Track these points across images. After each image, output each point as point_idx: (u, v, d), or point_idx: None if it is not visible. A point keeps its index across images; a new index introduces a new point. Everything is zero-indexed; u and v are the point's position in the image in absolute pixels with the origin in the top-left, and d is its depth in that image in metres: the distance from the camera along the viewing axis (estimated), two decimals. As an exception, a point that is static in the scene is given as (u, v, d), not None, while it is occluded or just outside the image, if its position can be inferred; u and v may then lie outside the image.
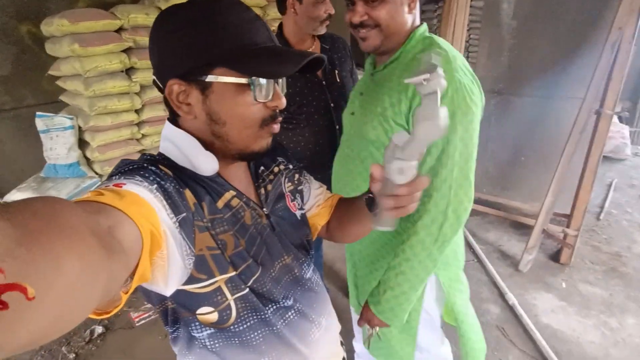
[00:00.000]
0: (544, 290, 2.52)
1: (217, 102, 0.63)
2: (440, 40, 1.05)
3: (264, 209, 0.76)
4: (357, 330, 1.49)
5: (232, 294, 0.67)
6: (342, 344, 0.93)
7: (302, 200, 0.89)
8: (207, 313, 0.66)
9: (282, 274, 0.76)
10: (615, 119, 4.48)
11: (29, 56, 2.47)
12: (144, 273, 0.48)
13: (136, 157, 0.66)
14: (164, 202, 0.54)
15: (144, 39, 2.32)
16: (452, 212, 0.99)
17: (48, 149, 2.38)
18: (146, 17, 2.34)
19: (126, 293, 0.47)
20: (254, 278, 0.69)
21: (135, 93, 2.43)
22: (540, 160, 3.15)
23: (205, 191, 0.66)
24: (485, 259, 2.79)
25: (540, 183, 3.06)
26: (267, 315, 0.71)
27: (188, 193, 0.62)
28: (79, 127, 2.43)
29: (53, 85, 2.44)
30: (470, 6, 2.98)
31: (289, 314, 0.76)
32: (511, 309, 2.34)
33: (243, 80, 0.61)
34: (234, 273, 0.66)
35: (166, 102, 0.67)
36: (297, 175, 0.89)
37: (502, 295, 2.46)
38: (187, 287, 0.63)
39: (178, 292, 0.62)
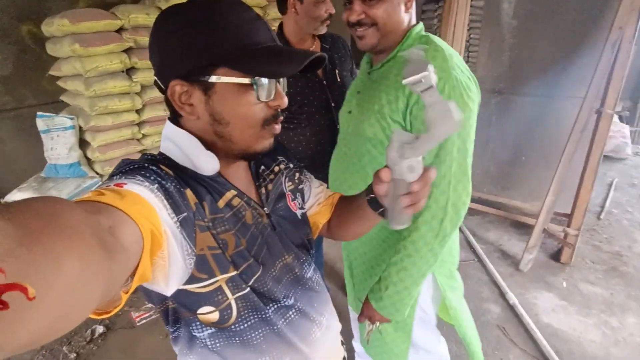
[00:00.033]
0: (545, 290, 2.52)
1: (219, 102, 0.63)
2: (436, 38, 1.07)
3: (265, 209, 0.76)
4: (355, 330, 1.49)
5: (233, 294, 0.67)
6: (342, 343, 0.93)
7: (303, 200, 0.89)
8: (208, 313, 0.66)
9: (283, 274, 0.76)
10: (615, 118, 4.48)
11: (30, 56, 2.47)
12: (145, 273, 0.48)
13: (137, 157, 0.66)
14: (165, 202, 0.54)
15: (145, 39, 2.32)
16: (451, 207, 1.01)
17: (49, 149, 2.38)
18: (147, 17, 2.34)
19: (126, 293, 0.47)
20: (255, 277, 0.69)
21: (136, 93, 2.43)
22: (541, 160, 3.15)
23: (206, 191, 0.66)
24: (485, 259, 2.79)
25: (541, 182, 3.06)
26: (268, 315, 0.71)
27: (189, 193, 0.62)
28: (80, 127, 2.43)
29: (54, 86, 2.44)
30: (471, 6, 2.98)
31: (290, 313, 0.76)
32: (512, 308, 2.34)
33: (246, 80, 0.61)
34: (234, 273, 0.66)
35: (167, 102, 0.67)
36: (297, 175, 0.89)
37: (502, 294, 2.46)
38: (188, 287, 0.63)
39: (179, 292, 0.62)
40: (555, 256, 2.81)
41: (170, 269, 0.55)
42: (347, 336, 1.09)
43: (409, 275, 1.06)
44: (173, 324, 0.70)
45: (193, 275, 0.62)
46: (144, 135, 2.59)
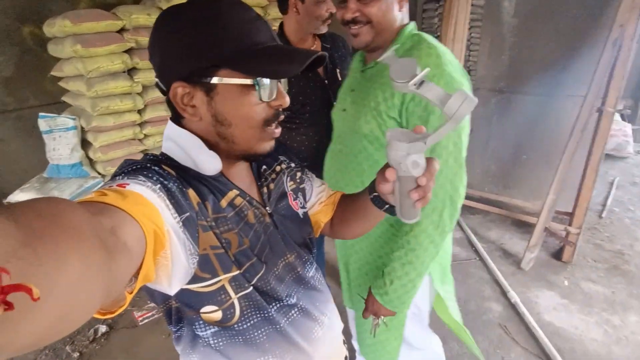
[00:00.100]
0: (546, 288, 2.52)
1: (222, 103, 0.63)
2: (428, 37, 1.09)
3: (267, 208, 0.76)
4: (353, 329, 1.50)
5: (236, 293, 0.67)
6: (344, 342, 0.93)
7: (304, 199, 0.90)
8: (211, 312, 0.67)
9: (285, 273, 0.77)
10: (617, 116, 4.48)
11: (32, 57, 2.47)
12: (148, 273, 0.48)
13: (139, 157, 0.66)
14: (167, 202, 0.55)
15: (146, 40, 2.32)
16: (449, 200, 1.04)
17: (51, 150, 2.39)
18: (148, 18, 2.35)
19: (131, 293, 0.47)
20: (258, 276, 0.70)
21: (138, 93, 2.44)
22: (542, 159, 3.14)
23: (209, 190, 0.66)
24: (487, 258, 2.79)
25: (542, 181, 3.06)
26: (270, 314, 0.71)
27: (191, 192, 0.62)
28: (82, 128, 2.44)
29: (55, 86, 2.44)
30: (472, 4, 2.97)
31: (292, 312, 0.76)
32: (513, 307, 2.34)
33: (248, 81, 0.61)
34: (237, 272, 0.66)
35: (169, 104, 0.67)
36: (299, 174, 0.90)
37: (504, 293, 2.45)
38: (191, 286, 0.63)
39: (182, 291, 0.62)
40: (557, 255, 2.81)
41: (173, 269, 0.55)
42: (347, 336, 1.09)
43: (413, 268, 1.09)
44: (176, 323, 0.71)
45: (196, 275, 0.62)
46: (146, 136, 2.59)
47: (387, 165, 0.64)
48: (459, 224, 3.26)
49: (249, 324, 0.70)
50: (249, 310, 0.69)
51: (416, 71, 0.56)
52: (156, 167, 0.59)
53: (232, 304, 0.67)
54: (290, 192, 0.85)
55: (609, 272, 2.64)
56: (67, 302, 0.30)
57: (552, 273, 2.65)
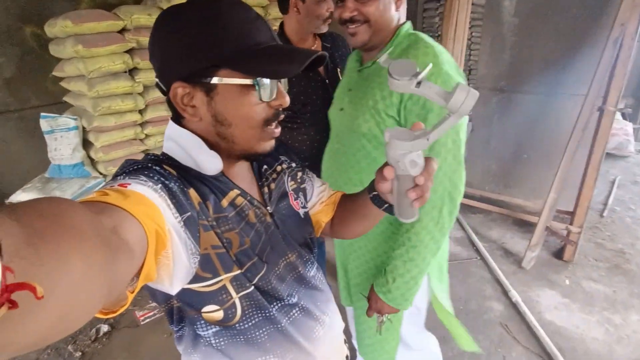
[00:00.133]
0: (548, 288, 2.52)
1: (222, 103, 0.63)
2: (424, 36, 1.10)
3: (268, 208, 0.76)
4: (353, 328, 1.51)
5: (237, 292, 0.67)
6: (345, 341, 0.94)
7: (305, 199, 0.90)
8: (213, 311, 0.67)
9: (286, 272, 0.77)
10: (618, 115, 4.47)
11: (33, 57, 2.47)
12: (150, 272, 0.48)
13: (140, 157, 0.66)
14: (169, 202, 0.55)
15: (147, 40, 2.30)
16: (448, 197, 1.05)
17: (52, 150, 2.39)
18: (149, 18, 2.35)
19: (132, 292, 0.47)
20: (259, 276, 0.70)
21: (139, 93, 2.44)
22: (543, 158, 3.14)
23: (210, 190, 0.66)
24: (488, 257, 2.79)
25: (543, 180, 3.06)
26: (271, 313, 0.72)
27: (192, 192, 0.62)
28: (83, 128, 2.44)
29: (57, 86, 2.45)
30: (472, 4, 2.97)
31: (294, 311, 0.76)
32: (514, 306, 2.34)
33: (248, 81, 0.62)
34: (238, 271, 0.66)
35: (169, 104, 0.67)
36: (299, 174, 0.90)
37: (505, 292, 2.45)
38: (192, 286, 0.63)
39: (183, 291, 0.63)
40: (558, 254, 2.81)
41: (175, 269, 0.55)
42: (348, 335, 1.09)
43: (415, 265, 1.10)
44: (177, 322, 0.71)
45: (197, 275, 0.62)
46: (147, 136, 2.59)
47: (385, 164, 0.64)
48: (459, 223, 3.26)
49: (250, 324, 0.70)
50: (250, 310, 0.69)
51: (416, 70, 0.56)
52: (157, 167, 0.59)
53: (234, 303, 0.67)
54: (291, 192, 0.85)
55: (610, 271, 2.64)
56: (68, 301, 0.30)
57: (553, 272, 2.65)
